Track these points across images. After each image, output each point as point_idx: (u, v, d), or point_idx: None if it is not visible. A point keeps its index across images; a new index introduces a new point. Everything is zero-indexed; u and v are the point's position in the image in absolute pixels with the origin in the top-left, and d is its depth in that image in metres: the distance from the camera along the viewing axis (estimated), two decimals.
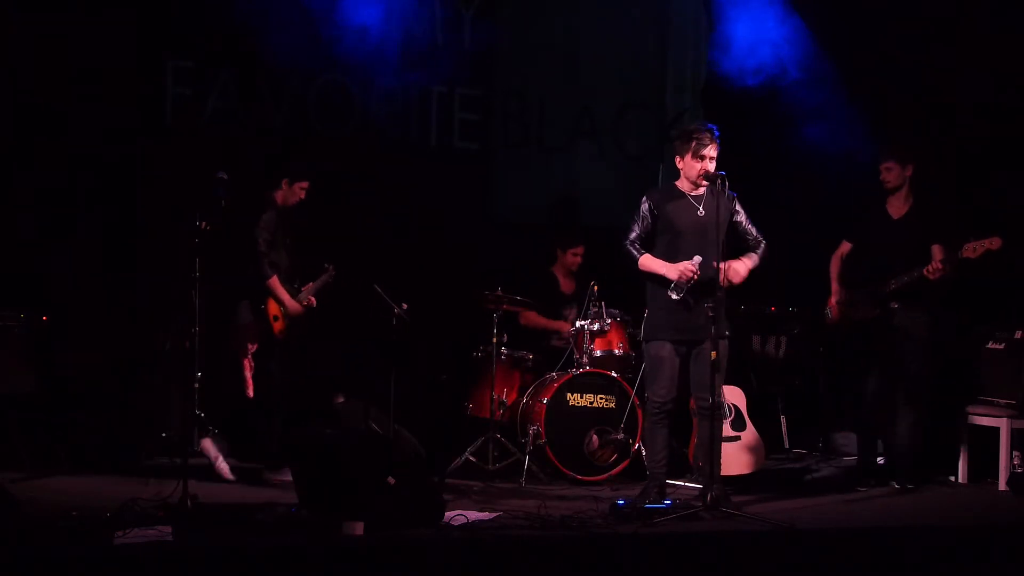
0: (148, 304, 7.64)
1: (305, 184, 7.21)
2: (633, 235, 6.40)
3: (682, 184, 6.41)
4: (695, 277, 6.18)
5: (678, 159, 6.39)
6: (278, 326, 7.16)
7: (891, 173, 7.14)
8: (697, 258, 6.19)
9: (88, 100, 7.64)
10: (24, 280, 7.33)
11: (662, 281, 6.28)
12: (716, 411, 6.20)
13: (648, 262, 6.34)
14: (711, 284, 6.12)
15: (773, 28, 8.74)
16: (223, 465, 6.94)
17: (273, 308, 7.16)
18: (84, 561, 4.86)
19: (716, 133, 6.28)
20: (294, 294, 7.21)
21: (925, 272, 6.93)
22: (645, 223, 6.39)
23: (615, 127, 9.26)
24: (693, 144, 6.28)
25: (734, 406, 7.21)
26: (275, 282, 7.13)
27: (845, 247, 7.37)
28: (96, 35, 7.63)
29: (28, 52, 7.54)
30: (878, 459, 7.43)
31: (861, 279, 7.21)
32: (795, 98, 8.60)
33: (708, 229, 6.20)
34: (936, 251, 7.04)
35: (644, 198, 6.44)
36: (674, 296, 6.22)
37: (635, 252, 6.37)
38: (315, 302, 7.28)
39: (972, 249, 6.82)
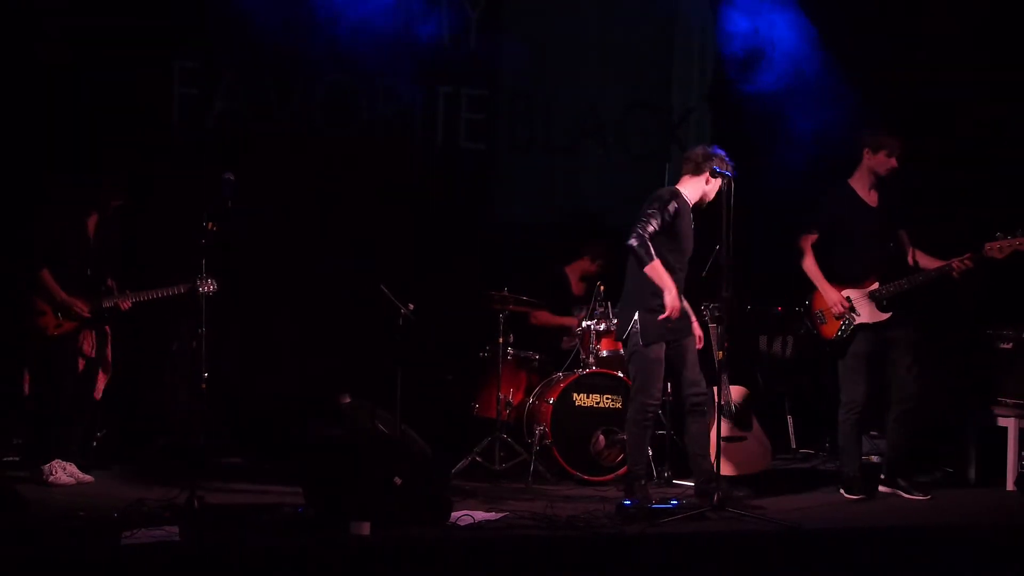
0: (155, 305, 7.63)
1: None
2: (652, 228, 6.35)
3: (688, 196, 6.51)
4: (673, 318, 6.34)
5: (696, 177, 6.48)
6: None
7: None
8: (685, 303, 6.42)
9: (94, 100, 7.65)
10: None
11: (657, 290, 6.32)
12: (711, 404, 6.43)
13: (658, 270, 6.33)
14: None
15: (780, 27, 8.73)
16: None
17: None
18: (91, 561, 4.87)
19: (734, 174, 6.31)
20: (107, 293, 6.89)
21: (954, 269, 6.59)
22: (663, 220, 6.37)
23: (621, 127, 9.24)
24: (716, 170, 6.34)
25: (739, 405, 7.18)
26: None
27: (811, 238, 6.91)
28: (102, 35, 7.64)
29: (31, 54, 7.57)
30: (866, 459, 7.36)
31: (842, 273, 6.83)
32: (802, 96, 8.59)
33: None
34: (904, 236, 6.84)
35: (672, 199, 6.42)
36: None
37: (650, 253, 6.30)
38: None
39: (999, 248, 6.48)
